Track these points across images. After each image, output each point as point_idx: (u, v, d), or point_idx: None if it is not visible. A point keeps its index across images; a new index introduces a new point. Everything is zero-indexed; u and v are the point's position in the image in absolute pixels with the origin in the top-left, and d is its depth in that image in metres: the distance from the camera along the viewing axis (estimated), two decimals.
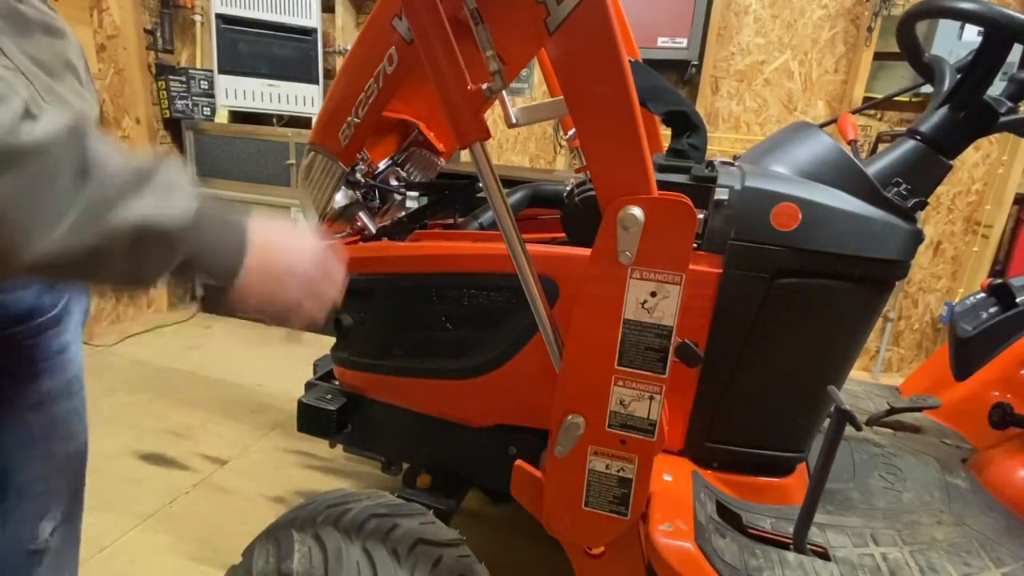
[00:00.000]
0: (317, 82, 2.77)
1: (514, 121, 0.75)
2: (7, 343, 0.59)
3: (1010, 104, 0.90)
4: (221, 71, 2.67)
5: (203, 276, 0.51)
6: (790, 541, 0.79)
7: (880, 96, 1.99)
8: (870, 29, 2.28)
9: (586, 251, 0.68)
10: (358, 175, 1.03)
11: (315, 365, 1.25)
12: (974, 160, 2.40)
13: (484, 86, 0.65)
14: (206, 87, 2.84)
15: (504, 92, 0.72)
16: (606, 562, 0.82)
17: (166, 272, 0.48)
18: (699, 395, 0.88)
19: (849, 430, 0.73)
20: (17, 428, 0.63)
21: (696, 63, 2.47)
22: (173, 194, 0.46)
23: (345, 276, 0.63)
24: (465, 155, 2.10)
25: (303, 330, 0.57)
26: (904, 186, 0.85)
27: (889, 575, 0.75)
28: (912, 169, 0.88)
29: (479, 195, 1.24)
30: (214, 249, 0.50)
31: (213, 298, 3.01)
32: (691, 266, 0.67)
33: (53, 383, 0.65)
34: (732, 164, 0.89)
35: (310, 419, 1.08)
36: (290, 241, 0.56)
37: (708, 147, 1.08)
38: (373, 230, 1.08)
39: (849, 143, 1.14)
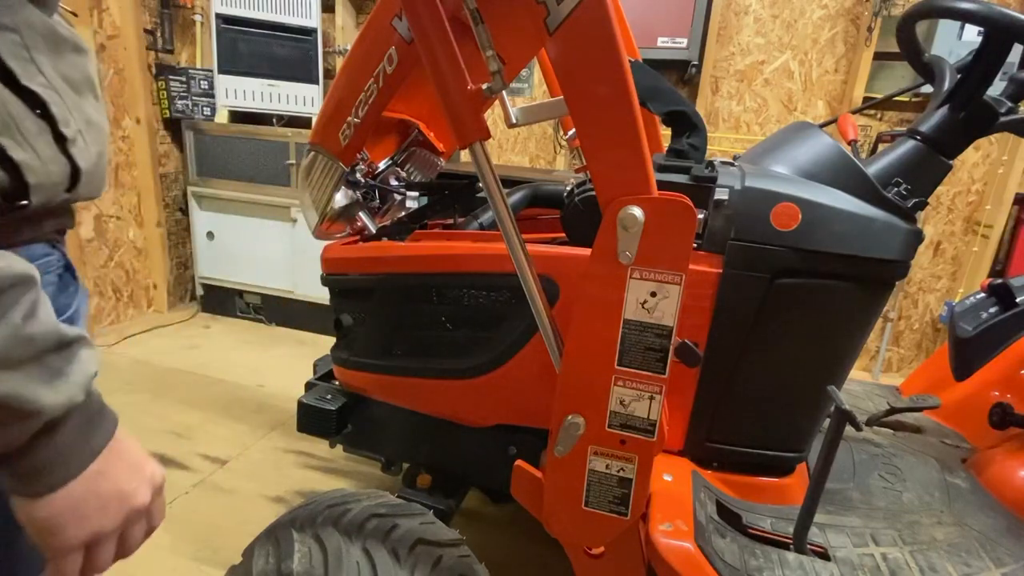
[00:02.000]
0: (317, 82, 2.78)
1: (514, 121, 0.75)
2: None
3: (1010, 104, 0.90)
4: (221, 71, 2.67)
5: (16, 468, 0.41)
6: (790, 541, 0.79)
7: (880, 96, 1.99)
8: (870, 29, 2.28)
9: (586, 251, 0.68)
10: (358, 175, 1.03)
11: (315, 365, 1.26)
12: (974, 160, 2.40)
13: (484, 86, 0.65)
14: (206, 87, 2.84)
15: (504, 92, 0.72)
16: (606, 562, 0.82)
17: None
18: (699, 395, 0.88)
19: (849, 430, 0.73)
20: None
21: (696, 63, 2.47)
22: (67, 377, 0.41)
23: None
24: (465, 155, 2.09)
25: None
26: (904, 186, 0.85)
27: (889, 575, 0.75)
28: (912, 169, 0.88)
29: (479, 195, 1.24)
30: (64, 452, 0.42)
31: (213, 298, 3.01)
32: (691, 266, 0.67)
33: None
34: (732, 164, 0.89)
35: (310, 419, 1.08)
36: (123, 486, 0.46)
37: (708, 147, 1.08)
38: (373, 230, 1.08)
39: (849, 143, 1.14)
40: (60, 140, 0.46)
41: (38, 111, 0.44)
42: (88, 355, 0.43)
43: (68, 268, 0.63)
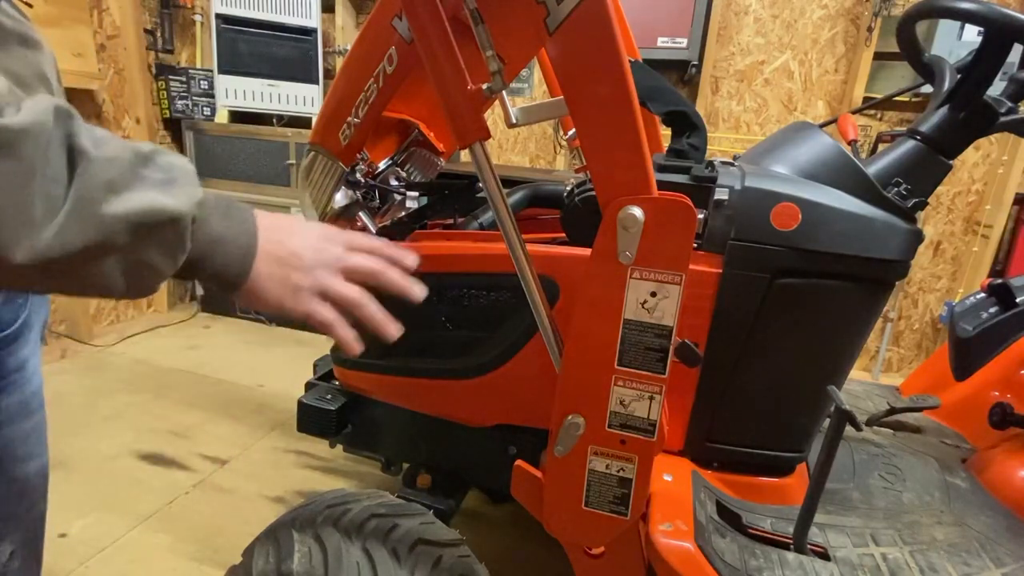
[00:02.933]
0: (317, 82, 2.78)
1: (514, 121, 0.75)
2: None
3: (1010, 104, 0.90)
4: (221, 71, 2.67)
5: (211, 274, 0.46)
6: (790, 541, 0.79)
7: (880, 96, 1.99)
8: (870, 29, 2.28)
9: (586, 251, 0.68)
10: (358, 175, 1.03)
11: (315, 365, 1.25)
12: (974, 160, 2.40)
13: (484, 86, 0.65)
14: (206, 87, 2.84)
15: (504, 92, 0.72)
16: (606, 562, 0.82)
17: (171, 270, 0.43)
18: (699, 395, 0.88)
19: (849, 430, 0.73)
20: None
21: (696, 63, 2.47)
22: (175, 180, 0.42)
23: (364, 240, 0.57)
24: (465, 155, 2.09)
25: (323, 321, 0.54)
26: (904, 186, 0.85)
27: (889, 575, 0.75)
28: (912, 169, 0.88)
29: (479, 195, 1.24)
30: (224, 241, 0.46)
31: (213, 298, 3.01)
32: (691, 266, 0.67)
33: (10, 401, 0.61)
34: (732, 164, 0.89)
35: (310, 419, 1.08)
36: (294, 223, 0.53)
37: (708, 147, 1.08)
38: (373, 230, 1.08)
39: (849, 143, 1.14)
40: None
41: None
42: (177, 159, 0.44)
43: None
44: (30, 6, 1.88)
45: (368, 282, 0.55)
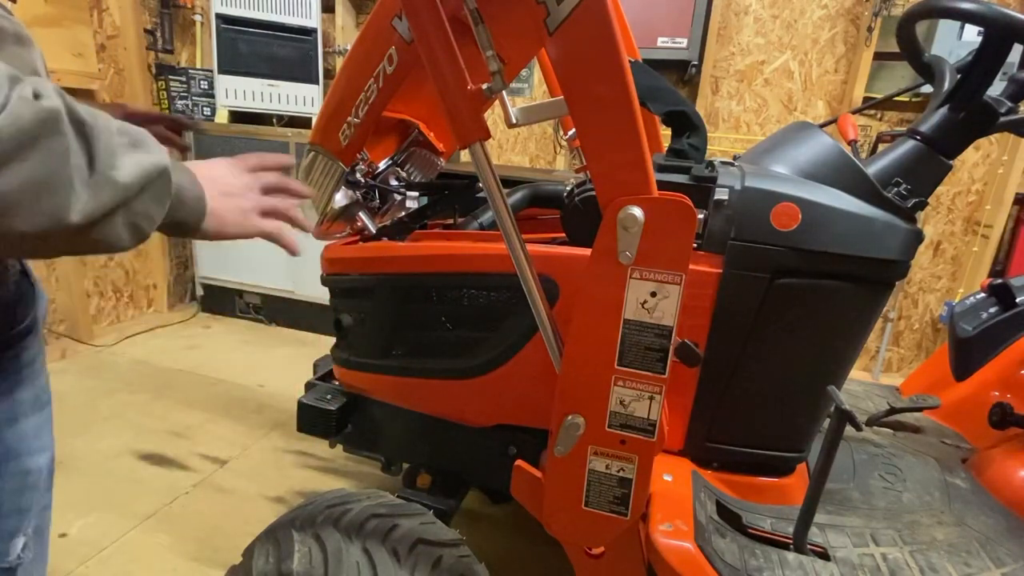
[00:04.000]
0: (317, 82, 2.77)
1: (514, 121, 0.75)
2: None
3: (1010, 104, 0.90)
4: (221, 71, 2.67)
5: (182, 217, 0.54)
6: (790, 541, 0.79)
7: (880, 96, 1.99)
8: (870, 29, 2.28)
9: (586, 251, 0.68)
10: (358, 175, 1.03)
11: (315, 365, 1.26)
12: (974, 160, 2.40)
13: (484, 86, 0.65)
14: (206, 87, 2.84)
15: (504, 92, 0.72)
16: (606, 562, 0.82)
17: (161, 217, 0.51)
18: (699, 395, 0.88)
19: (849, 430, 0.73)
20: None
21: (696, 63, 2.47)
22: (147, 142, 0.50)
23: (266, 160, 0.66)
24: (465, 155, 2.09)
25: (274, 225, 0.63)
26: (904, 186, 0.85)
27: (889, 575, 0.75)
28: (912, 169, 0.88)
29: (479, 195, 1.24)
30: (184, 185, 0.54)
31: (213, 298, 3.01)
32: (691, 266, 0.67)
33: (25, 395, 0.63)
34: (732, 164, 0.89)
35: (310, 419, 1.08)
36: (207, 164, 0.61)
37: (708, 147, 1.08)
38: (373, 230, 1.08)
39: (849, 143, 1.14)
40: None
41: None
42: (129, 126, 0.50)
43: (25, 274, 0.62)
44: (14, 2, 1.92)
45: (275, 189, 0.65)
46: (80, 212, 0.44)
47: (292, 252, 0.64)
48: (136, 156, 0.48)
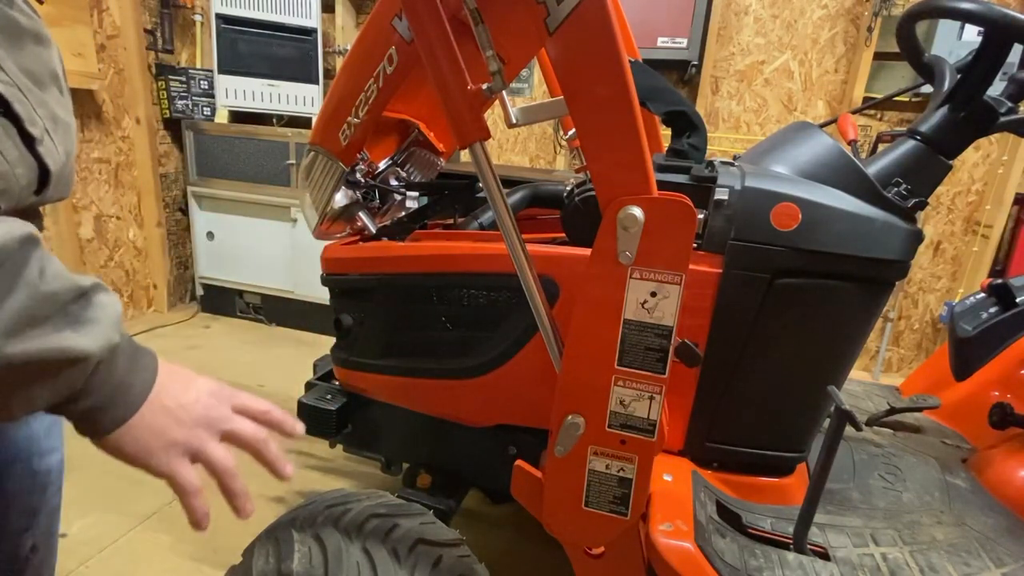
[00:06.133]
0: (317, 82, 2.77)
1: (514, 121, 0.75)
2: None
3: (1010, 104, 0.90)
4: (221, 71, 2.67)
5: (83, 412, 0.44)
6: (790, 541, 0.79)
7: (880, 96, 1.99)
8: (870, 29, 2.28)
9: (586, 251, 0.68)
10: (358, 175, 1.03)
11: (315, 365, 1.26)
12: (974, 160, 2.40)
13: (484, 86, 0.65)
14: (206, 87, 2.84)
15: (504, 92, 0.72)
16: (606, 562, 0.82)
17: (44, 406, 0.42)
18: (699, 395, 0.88)
19: (849, 430, 0.73)
20: (2, 447, 0.61)
21: (696, 63, 2.47)
22: (98, 320, 0.43)
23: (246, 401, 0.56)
24: (465, 155, 2.09)
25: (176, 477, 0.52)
26: (904, 186, 0.85)
27: (889, 575, 0.75)
28: (912, 169, 0.88)
29: (479, 195, 1.24)
30: (122, 386, 0.46)
31: (213, 298, 3.01)
32: (691, 266, 0.67)
33: None
34: (732, 164, 0.89)
35: (310, 419, 1.08)
36: (192, 377, 0.54)
37: (708, 147, 1.08)
38: (373, 230, 1.08)
39: (849, 143, 1.14)
40: (27, 140, 0.43)
41: (1, 110, 0.41)
42: (108, 299, 0.44)
43: None
44: (41, 3, 1.90)
45: (244, 450, 0.54)
46: None
47: (195, 526, 0.53)
48: (59, 335, 0.39)
